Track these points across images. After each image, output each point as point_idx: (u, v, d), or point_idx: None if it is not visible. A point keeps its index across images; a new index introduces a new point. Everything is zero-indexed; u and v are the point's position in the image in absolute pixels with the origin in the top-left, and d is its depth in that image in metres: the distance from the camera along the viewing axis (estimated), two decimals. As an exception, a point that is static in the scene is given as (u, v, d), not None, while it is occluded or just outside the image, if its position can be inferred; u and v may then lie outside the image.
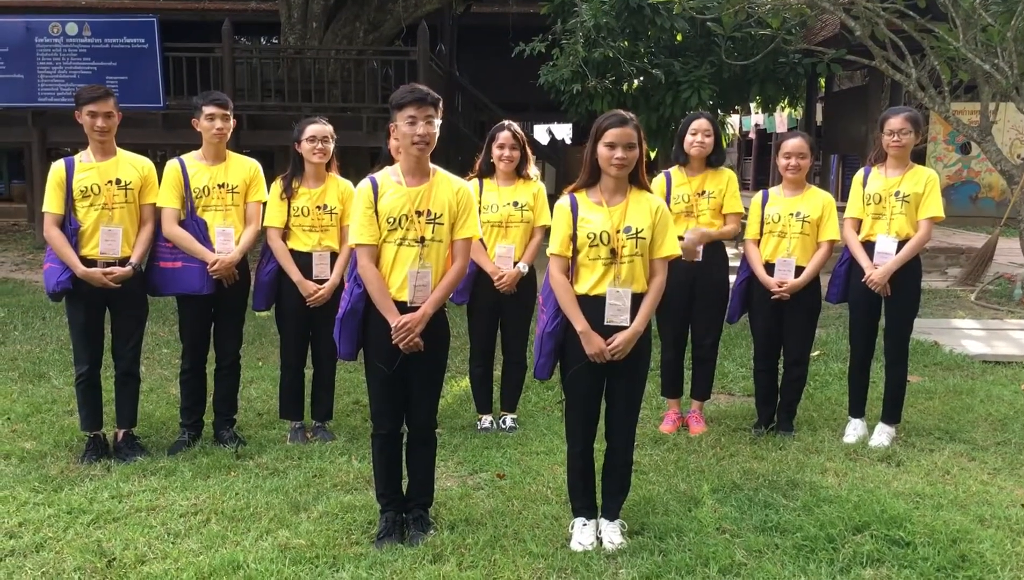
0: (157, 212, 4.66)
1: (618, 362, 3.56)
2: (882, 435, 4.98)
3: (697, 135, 4.95)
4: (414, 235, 3.55)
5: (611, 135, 3.45)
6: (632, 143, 3.47)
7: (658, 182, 5.00)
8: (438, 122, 3.52)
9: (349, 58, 13.07)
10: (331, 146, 4.80)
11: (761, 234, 5.05)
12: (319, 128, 4.76)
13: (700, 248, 4.99)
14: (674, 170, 5.11)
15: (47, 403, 5.50)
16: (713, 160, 5.03)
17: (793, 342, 5.07)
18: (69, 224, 4.48)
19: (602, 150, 3.49)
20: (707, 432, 5.14)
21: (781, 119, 21.24)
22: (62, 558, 3.52)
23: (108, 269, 4.50)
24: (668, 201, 4.94)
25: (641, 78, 11.16)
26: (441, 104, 3.54)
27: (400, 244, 3.55)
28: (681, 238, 4.80)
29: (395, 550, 3.57)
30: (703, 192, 5.01)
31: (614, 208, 3.55)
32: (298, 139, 4.77)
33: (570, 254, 3.57)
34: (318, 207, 4.78)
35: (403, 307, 3.56)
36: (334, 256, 4.84)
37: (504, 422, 5.24)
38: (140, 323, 4.75)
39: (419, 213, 3.55)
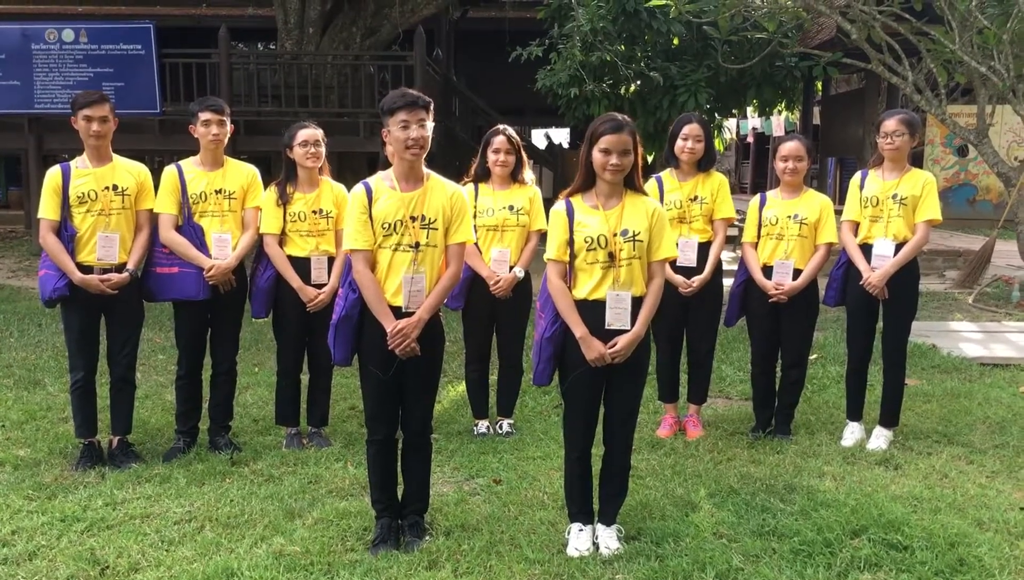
0: (153, 218, 4.65)
1: (618, 366, 3.54)
2: (880, 438, 4.97)
3: (688, 140, 4.92)
4: (409, 240, 3.54)
5: (606, 141, 3.43)
6: (627, 149, 3.45)
7: (650, 187, 4.97)
8: (431, 125, 3.51)
9: (346, 63, 13.06)
10: (323, 150, 4.79)
11: (759, 237, 5.04)
12: (310, 132, 4.75)
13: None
14: (665, 175, 5.09)
15: (42, 410, 5.48)
16: (703, 164, 5.02)
17: (791, 345, 5.06)
18: (65, 230, 4.46)
19: (597, 155, 3.47)
20: (704, 436, 5.12)
21: (778, 122, 21.25)
22: (55, 566, 3.50)
23: (105, 276, 4.48)
24: (660, 206, 4.93)
25: (638, 82, 11.16)
26: (432, 106, 3.53)
27: (395, 249, 3.54)
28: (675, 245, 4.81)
29: (390, 557, 3.55)
30: (695, 197, 4.99)
31: (610, 211, 3.53)
32: (289, 145, 4.76)
33: (568, 259, 3.55)
34: (314, 212, 4.77)
35: (398, 312, 3.54)
36: (331, 260, 4.82)
37: (500, 427, 5.22)
38: (136, 329, 4.72)
39: (413, 218, 3.54)
